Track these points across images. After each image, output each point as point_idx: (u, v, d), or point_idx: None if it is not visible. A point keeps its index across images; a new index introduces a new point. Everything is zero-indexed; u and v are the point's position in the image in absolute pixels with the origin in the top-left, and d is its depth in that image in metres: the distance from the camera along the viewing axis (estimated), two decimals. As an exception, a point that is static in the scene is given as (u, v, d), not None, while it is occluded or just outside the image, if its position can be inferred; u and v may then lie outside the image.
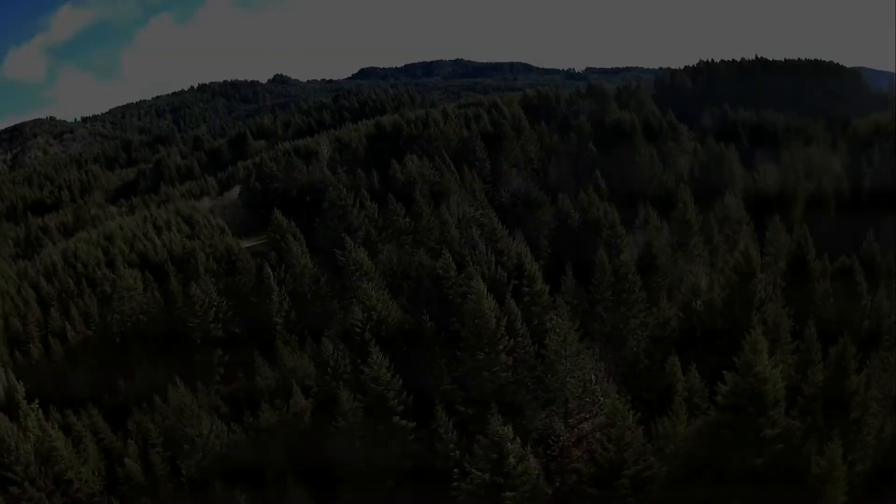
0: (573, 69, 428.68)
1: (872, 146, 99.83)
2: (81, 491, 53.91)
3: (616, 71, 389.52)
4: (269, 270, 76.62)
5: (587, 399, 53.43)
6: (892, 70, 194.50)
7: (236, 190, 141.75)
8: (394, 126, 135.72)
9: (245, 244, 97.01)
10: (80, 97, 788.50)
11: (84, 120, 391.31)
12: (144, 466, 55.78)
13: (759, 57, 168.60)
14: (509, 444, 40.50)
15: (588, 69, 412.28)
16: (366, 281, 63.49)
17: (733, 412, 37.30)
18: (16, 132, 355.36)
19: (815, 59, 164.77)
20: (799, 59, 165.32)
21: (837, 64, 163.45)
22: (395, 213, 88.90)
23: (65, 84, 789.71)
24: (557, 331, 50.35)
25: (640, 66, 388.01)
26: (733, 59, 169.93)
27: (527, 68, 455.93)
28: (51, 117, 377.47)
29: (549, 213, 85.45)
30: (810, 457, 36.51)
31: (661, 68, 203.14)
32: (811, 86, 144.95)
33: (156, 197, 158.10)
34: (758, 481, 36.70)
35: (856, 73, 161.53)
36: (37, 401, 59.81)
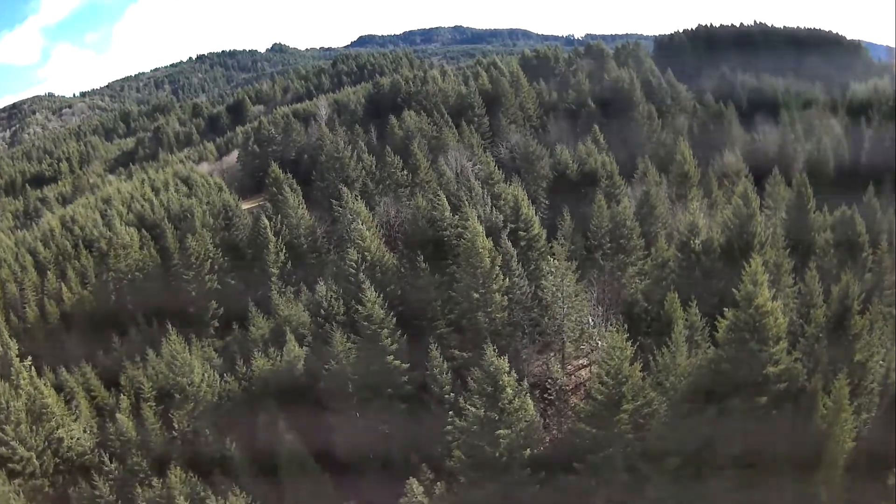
0: (572, 35, 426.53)
1: (872, 109, 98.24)
2: (73, 449, 53.29)
3: (615, 37, 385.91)
4: (266, 221, 75.58)
5: (585, 343, 52.71)
6: (890, 44, 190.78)
7: (235, 154, 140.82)
8: (392, 85, 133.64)
9: (244, 206, 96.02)
10: (77, 73, 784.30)
11: (83, 94, 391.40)
12: (136, 421, 54.98)
13: (758, 23, 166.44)
14: (505, 376, 39.05)
15: (588, 35, 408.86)
16: (361, 223, 62.15)
17: (734, 347, 35.73)
18: (14, 110, 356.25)
19: (815, 28, 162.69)
20: (799, 27, 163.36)
21: (837, 34, 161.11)
22: (392, 165, 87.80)
23: (61, 61, 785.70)
24: (554, 271, 49.42)
25: (639, 32, 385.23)
26: (732, 24, 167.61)
27: (526, 35, 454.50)
28: (49, 93, 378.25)
29: (548, 167, 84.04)
30: (816, 396, 35.33)
31: (660, 34, 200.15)
32: (811, 53, 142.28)
33: (155, 164, 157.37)
34: (761, 421, 35.31)
35: (855, 44, 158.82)
36: (29, 358, 59.21)
